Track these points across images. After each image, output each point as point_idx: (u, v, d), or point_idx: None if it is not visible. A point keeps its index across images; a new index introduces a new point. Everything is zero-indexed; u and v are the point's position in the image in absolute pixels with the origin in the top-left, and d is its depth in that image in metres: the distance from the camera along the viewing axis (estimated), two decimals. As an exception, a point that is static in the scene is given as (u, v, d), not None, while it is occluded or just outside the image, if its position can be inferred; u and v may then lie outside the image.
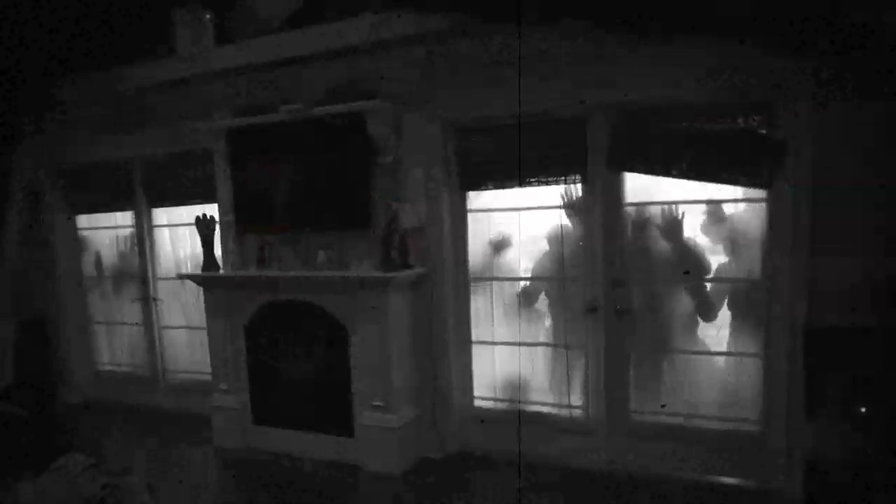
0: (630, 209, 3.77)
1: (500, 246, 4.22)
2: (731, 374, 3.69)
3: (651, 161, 3.61)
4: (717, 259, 3.71)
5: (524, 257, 4.17)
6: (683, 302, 3.76)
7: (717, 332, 3.78)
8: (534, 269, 4.16)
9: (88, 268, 5.88)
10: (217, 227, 4.62)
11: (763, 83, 3.32)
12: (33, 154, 5.48)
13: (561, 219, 3.96)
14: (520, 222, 4.12)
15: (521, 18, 3.53)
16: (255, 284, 4.42)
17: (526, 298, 4.16)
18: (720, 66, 3.33)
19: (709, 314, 3.74)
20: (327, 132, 4.11)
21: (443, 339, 4.17)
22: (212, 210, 4.73)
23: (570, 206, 3.91)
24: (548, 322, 4.17)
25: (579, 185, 3.84)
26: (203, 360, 4.98)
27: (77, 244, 5.88)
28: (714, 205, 3.64)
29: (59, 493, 2.24)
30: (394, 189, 4.09)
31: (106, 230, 5.77)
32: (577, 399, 4.01)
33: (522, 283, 4.19)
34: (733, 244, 3.65)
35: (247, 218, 4.53)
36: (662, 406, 3.62)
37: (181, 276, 5.00)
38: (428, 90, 4.01)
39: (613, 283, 3.80)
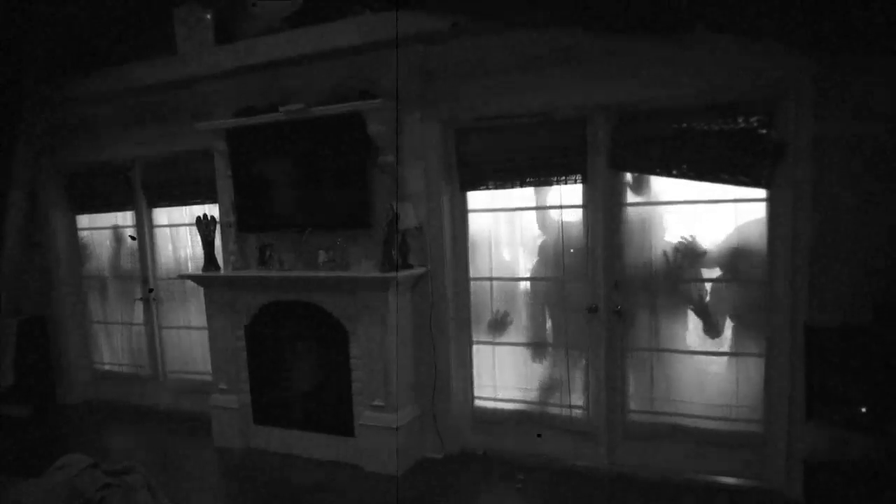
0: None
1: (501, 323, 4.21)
2: (732, 375, 3.68)
3: (651, 161, 3.61)
4: (716, 260, 3.70)
5: (524, 258, 4.17)
6: (682, 301, 3.76)
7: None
8: (533, 269, 4.16)
9: (88, 267, 5.88)
10: (217, 227, 4.62)
11: (763, 83, 3.33)
12: (33, 153, 5.47)
13: (560, 218, 3.96)
14: (520, 222, 4.13)
15: (521, 19, 3.53)
16: (255, 284, 4.42)
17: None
18: (720, 66, 3.33)
19: (714, 332, 3.72)
20: (327, 132, 4.11)
21: (443, 340, 4.17)
22: (212, 210, 4.74)
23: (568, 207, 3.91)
24: (548, 322, 4.16)
25: (579, 185, 3.85)
26: (203, 360, 4.99)
27: (77, 244, 5.88)
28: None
29: (59, 493, 2.24)
30: (394, 189, 4.09)
31: (106, 230, 5.77)
32: (577, 399, 4.02)
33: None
34: (733, 244, 3.65)
35: (247, 218, 4.53)
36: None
37: (182, 276, 5.01)
38: (427, 90, 4.01)
39: (614, 284, 3.81)
